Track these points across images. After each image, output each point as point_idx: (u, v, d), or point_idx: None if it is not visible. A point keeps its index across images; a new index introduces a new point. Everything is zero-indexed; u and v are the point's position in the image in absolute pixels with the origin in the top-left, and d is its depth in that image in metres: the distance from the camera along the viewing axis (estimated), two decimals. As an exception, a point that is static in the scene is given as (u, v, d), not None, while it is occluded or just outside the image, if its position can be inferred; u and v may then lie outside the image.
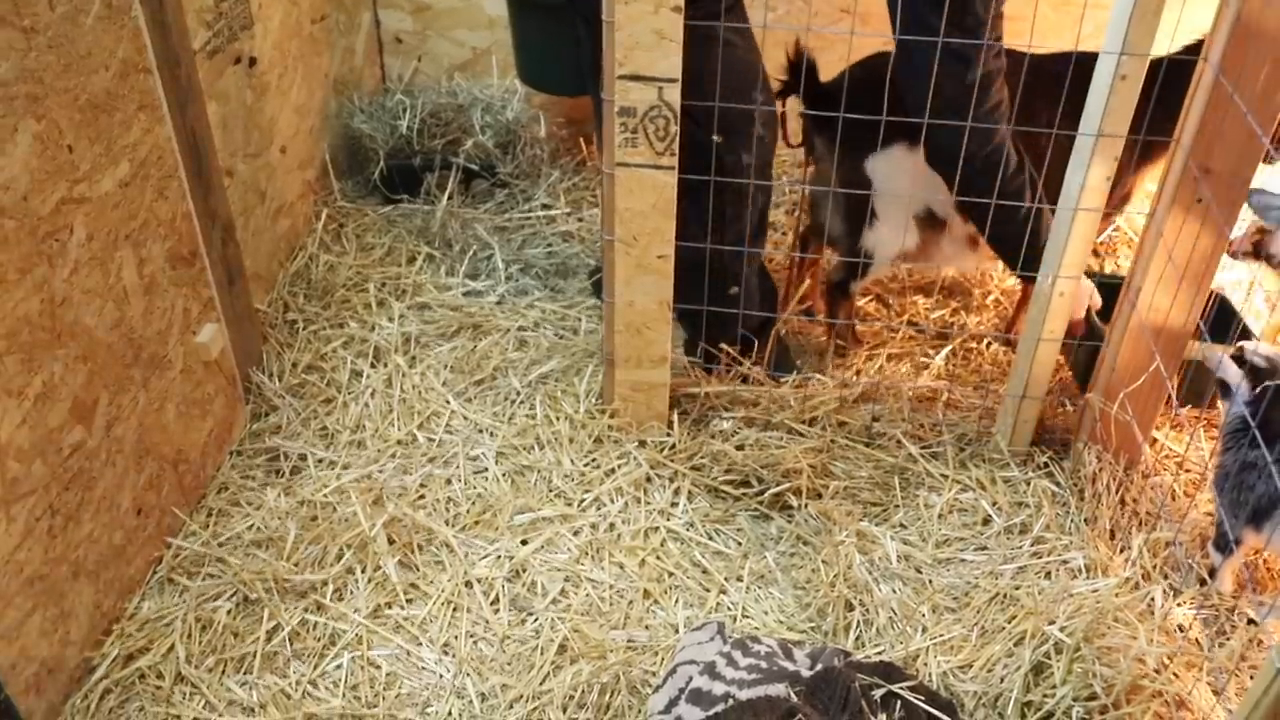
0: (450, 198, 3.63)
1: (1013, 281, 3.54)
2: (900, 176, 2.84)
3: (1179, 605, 2.31)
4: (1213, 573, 2.37)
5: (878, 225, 2.95)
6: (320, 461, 2.71)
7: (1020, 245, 2.63)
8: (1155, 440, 2.79)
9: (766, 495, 2.64)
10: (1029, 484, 2.68)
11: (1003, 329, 3.41)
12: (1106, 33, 2.19)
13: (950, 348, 3.29)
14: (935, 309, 3.52)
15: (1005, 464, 2.76)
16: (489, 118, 3.67)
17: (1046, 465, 2.73)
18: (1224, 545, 2.34)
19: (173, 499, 2.43)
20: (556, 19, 3.32)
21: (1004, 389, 2.79)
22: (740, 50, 2.58)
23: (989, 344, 3.35)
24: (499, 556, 2.47)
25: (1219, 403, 2.46)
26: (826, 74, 2.83)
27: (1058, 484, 2.68)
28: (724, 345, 2.86)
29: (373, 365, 3.04)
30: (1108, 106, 2.21)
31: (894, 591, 2.36)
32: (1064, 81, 2.51)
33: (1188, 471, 2.77)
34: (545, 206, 3.71)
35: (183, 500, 2.49)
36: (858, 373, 3.14)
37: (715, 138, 2.49)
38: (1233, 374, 2.34)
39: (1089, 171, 2.30)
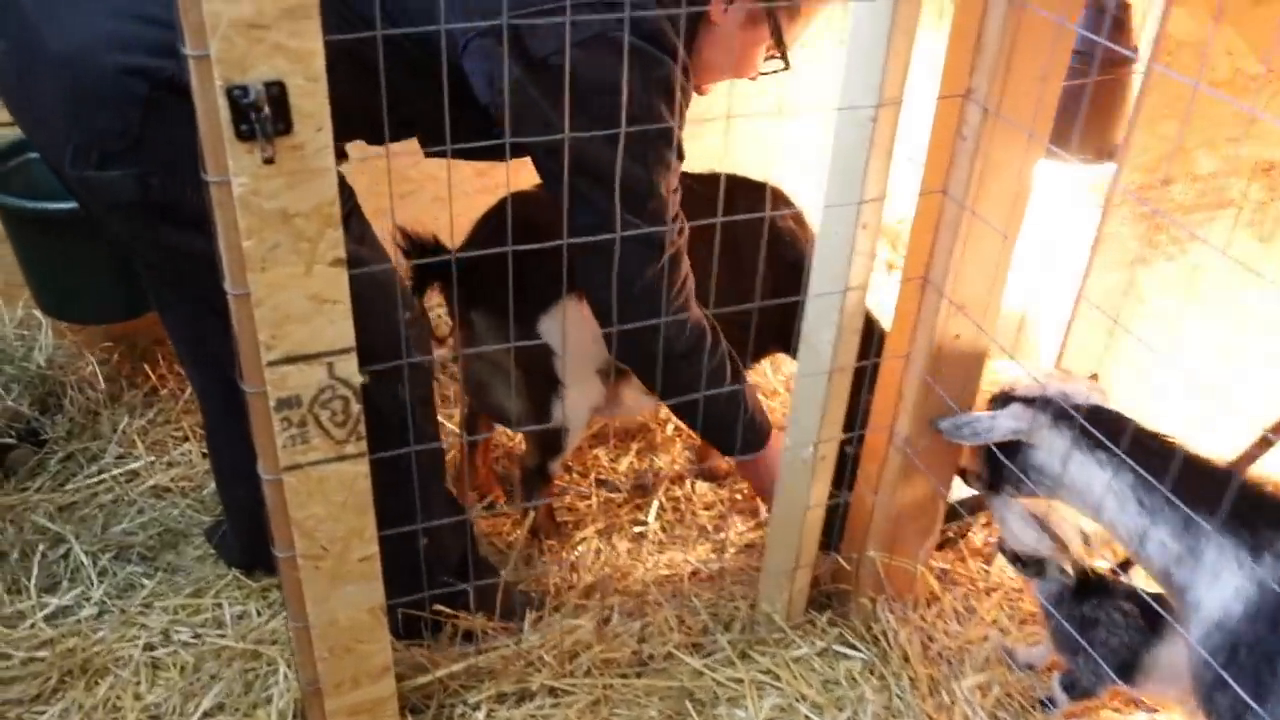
0: (-20, 488, 2.60)
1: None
2: (581, 330, 2.40)
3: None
4: (1049, 705, 2.22)
5: (565, 392, 2.49)
6: None
7: (736, 424, 2.31)
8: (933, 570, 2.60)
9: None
10: (830, 662, 2.36)
11: (695, 460, 3.10)
12: (827, 179, 1.89)
13: (657, 503, 2.93)
14: (617, 456, 3.14)
15: (790, 641, 2.42)
16: (10, 369, 2.67)
17: (835, 631, 2.44)
18: (1082, 693, 2.20)
19: None
20: (78, 234, 2.48)
21: (765, 562, 2.45)
22: (371, 264, 1.96)
23: (693, 484, 3.04)
24: None
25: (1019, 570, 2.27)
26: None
27: (855, 648, 2.39)
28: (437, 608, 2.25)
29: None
30: (852, 260, 1.91)
31: None
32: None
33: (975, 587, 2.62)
34: (121, 460, 2.78)
35: None
36: (573, 569, 2.66)
37: (361, 380, 1.84)
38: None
39: (840, 330, 2.00)
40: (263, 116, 1.33)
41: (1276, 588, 1.66)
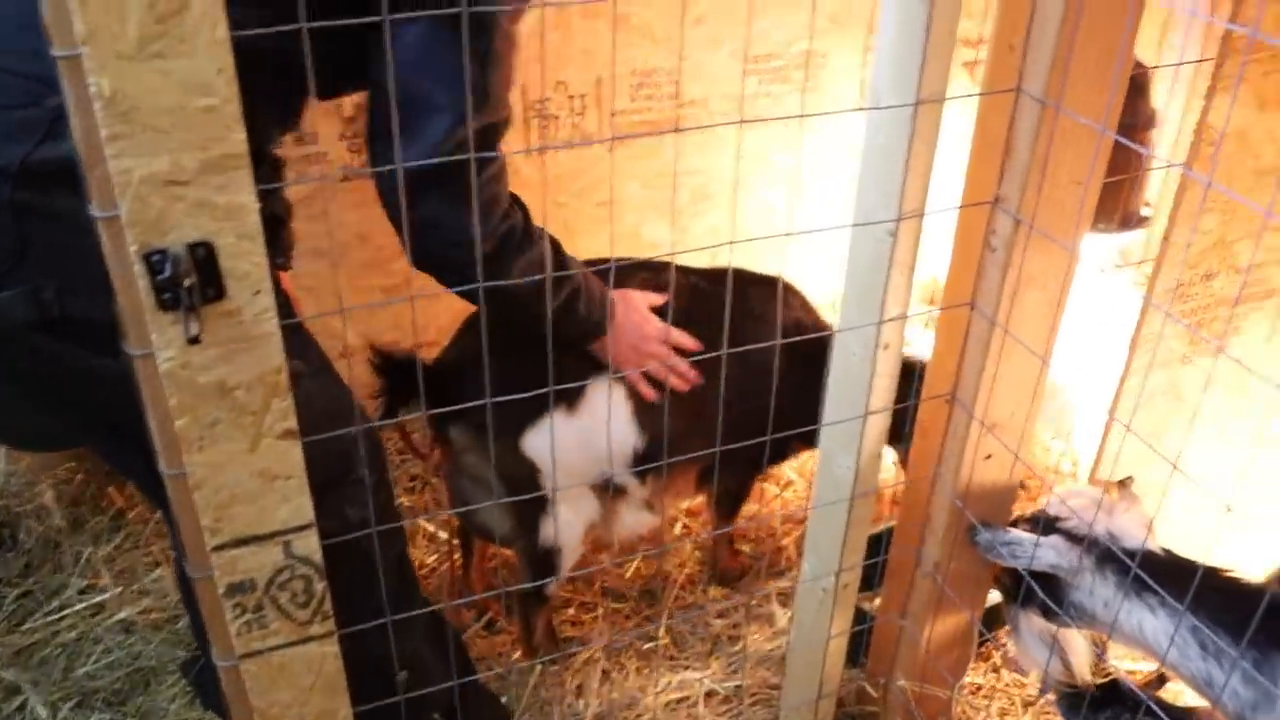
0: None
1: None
2: (569, 449, 2.21)
3: None
4: None
5: (555, 510, 2.28)
6: None
7: (574, 313, 2.08)
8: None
9: None
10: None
11: (706, 561, 2.89)
12: (843, 297, 1.70)
13: (666, 613, 2.72)
14: (623, 561, 2.93)
15: (816, 778, 2.20)
16: (-41, 503, 2.48)
17: (864, 767, 2.22)
18: None
19: None
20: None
21: (784, 694, 2.23)
22: (322, 381, 1.78)
23: (705, 588, 2.83)
24: None
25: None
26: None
27: (889, 791, 2.18)
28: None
29: None
30: (872, 385, 1.72)
31: None
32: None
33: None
34: (85, 594, 2.57)
35: None
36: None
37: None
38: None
39: (861, 455, 1.80)
40: (188, 285, 1.14)
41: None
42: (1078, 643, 1.99)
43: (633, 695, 2.47)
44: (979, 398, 1.75)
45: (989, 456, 1.83)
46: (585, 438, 2.21)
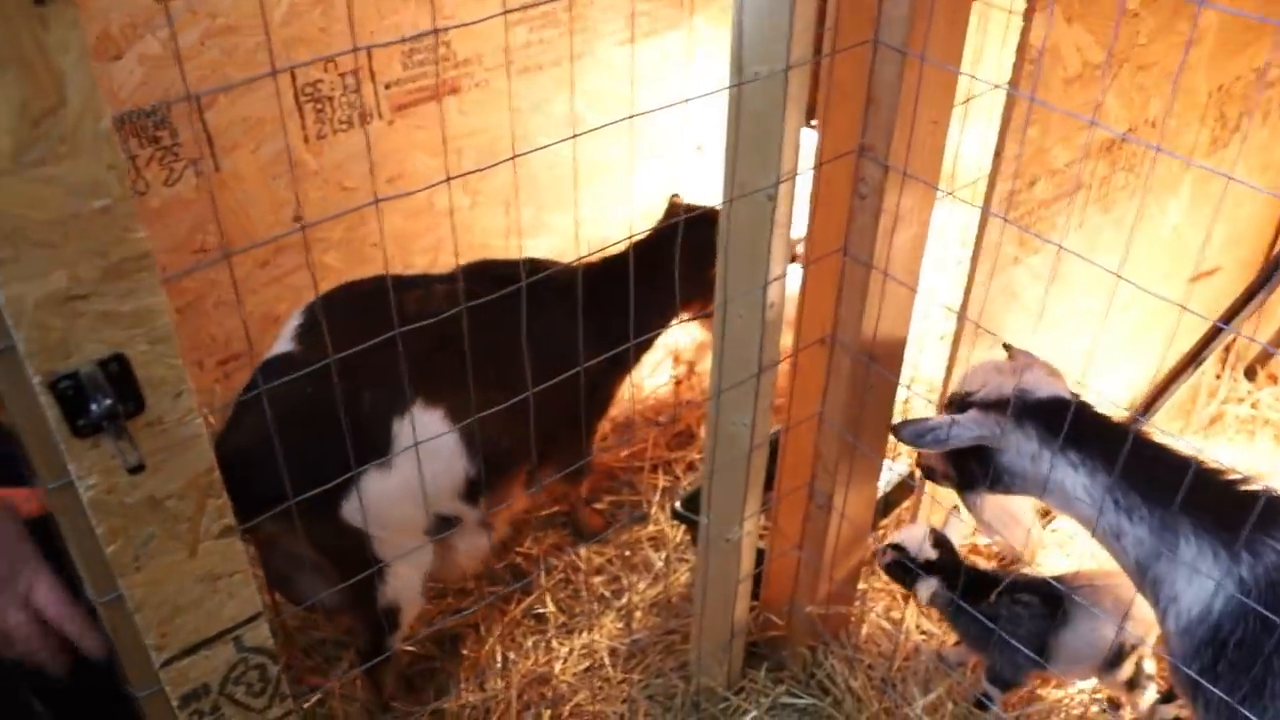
0: None
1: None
2: (396, 503, 2.05)
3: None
4: (986, 701, 2.26)
5: (390, 572, 2.14)
6: None
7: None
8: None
9: None
10: (783, 718, 2.28)
11: (568, 527, 2.90)
12: (721, 265, 1.72)
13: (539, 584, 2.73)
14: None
15: (737, 708, 2.32)
16: None
17: (780, 687, 2.34)
18: (1005, 684, 2.25)
19: None
20: None
21: (697, 641, 2.30)
22: None
23: (574, 551, 2.84)
24: None
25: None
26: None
27: (802, 698, 2.32)
28: None
29: None
30: (763, 343, 1.76)
31: None
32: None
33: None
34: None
35: None
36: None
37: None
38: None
39: (757, 411, 1.86)
40: (103, 405, 1.02)
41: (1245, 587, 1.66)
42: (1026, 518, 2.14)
43: (539, 672, 2.48)
44: (860, 337, 1.83)
45: (872, 387, 1.93)
46: (408, 485, 2.01)
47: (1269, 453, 3.08)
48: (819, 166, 1.66)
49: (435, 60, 2.78)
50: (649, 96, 3.37)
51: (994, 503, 2.07)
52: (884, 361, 1.90)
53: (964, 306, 2.12)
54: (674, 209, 2.80)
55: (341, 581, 2.06)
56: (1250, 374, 3.28)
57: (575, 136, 1.55)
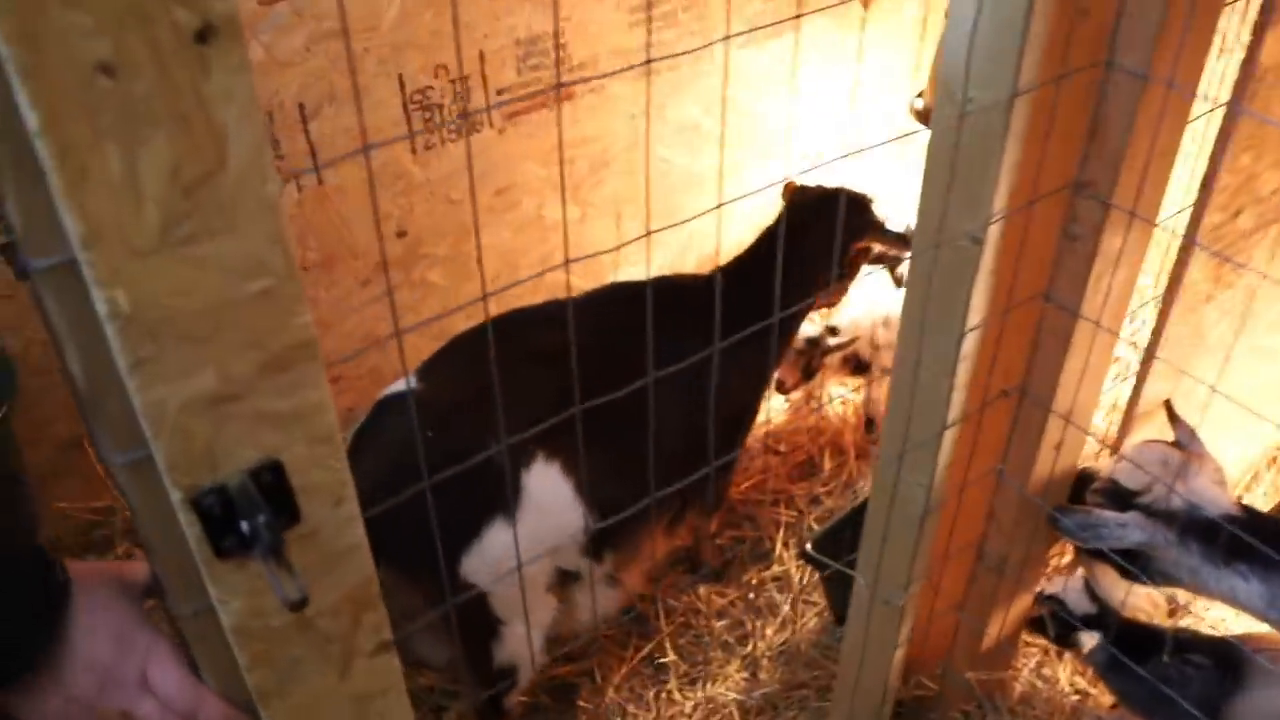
0: None
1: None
2: (511, 563, 1.88)
3: None
4: None
5: (507, 629, 1.97)
6: None
7: None
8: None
9: None
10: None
11: (685, 563, 2.71)
12: (907, 314, 1.51)
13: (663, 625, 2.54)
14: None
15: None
16: None
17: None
18: None
19: None
20: None
21: (835, 705, 2.10)
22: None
23: (691, 590, 2.65)
24: None
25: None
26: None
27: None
28: None
29: None
30: (950, 399, 1.55)
31: None
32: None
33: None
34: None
35: None
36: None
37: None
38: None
39: (936, 471, 1.64)
40: (256, 522, 0.84)
41: None
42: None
43: (663, 725, 2.30)
44: (1057, 390, 1.61)
45: (1059, 445, 1.71)
46: (533, 538, 1.87)
47: None
48: (1027, 205, 1.43)
49: (555, 62, 2.59)
50: (756, 101, 3.15)
51: (1111, 576, 1.89)
52: (1076, 415, 1.67)
53: (1152, 347, 1.88)
54: (792, 192, 2.59)
55: (457, 639, 1.91)
56: None
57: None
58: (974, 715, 2.14)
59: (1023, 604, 2.00)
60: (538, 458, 1.90)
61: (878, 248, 2.44)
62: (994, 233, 1.39)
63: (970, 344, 1.50)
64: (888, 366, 2.68)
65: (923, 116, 2.86)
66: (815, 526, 2.73)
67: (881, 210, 2.39)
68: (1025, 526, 1.80)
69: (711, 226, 3.31)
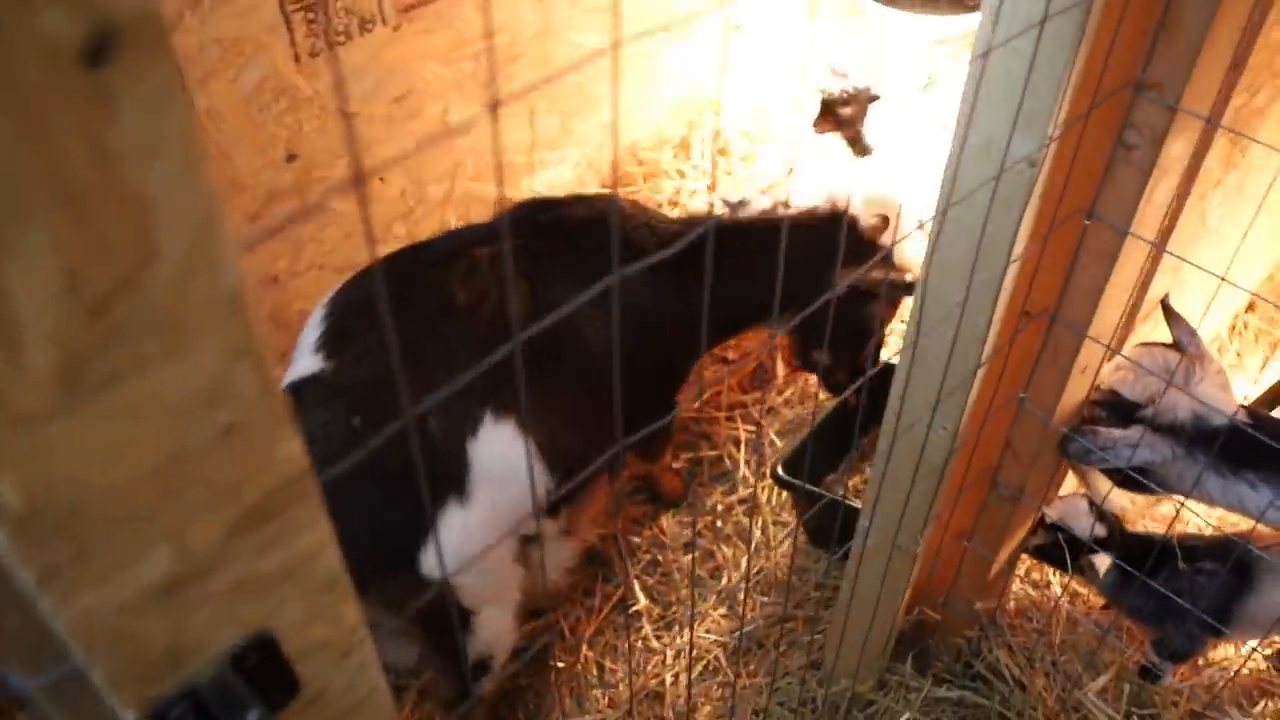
0: None
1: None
2: (481, 540, 1.65)
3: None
4: (1152, 671, 2.00)
5: (478, 618, 1.75)
6: None
7: None
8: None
9: None
10: (940, 713, 1.99)
11: (644, 492, 2.52)
12: (936, 239, 1.29)
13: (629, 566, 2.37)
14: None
15: (892, 711, 2.01)
16: None
17: (931, 682, 2.03)
18: (1179, 656, 1.97)
19: None
20: None
21: (830, 648, 1.97)
22: None
23: (652, 523, 2.47)
24: None
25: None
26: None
27: (966, 688, 2.02)
28: None
29: None
30: (988, 332, 1.35)
31: None
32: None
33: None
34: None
35: None
36: None
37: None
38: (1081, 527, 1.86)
39: (966, 414, 1.46)
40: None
41: None
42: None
43: (649, 687, 2.13)
44: (1094, 314, 1.43)
45: (1085, 369, 1.54)
46: (493, 518, 1.66)
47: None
48: (1084, 116, 1.21)
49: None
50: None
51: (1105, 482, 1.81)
52: (1104, 335, 1.50)
53: (1163, 241, 1.72)
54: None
55: (425, 642, 1.69)
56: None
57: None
58: (975, 638, 2.05)
59: (1024, 531, 1.87)
60: (485, 422, 1.65)
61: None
62: (1051, 153, 1.17)
63: (1012, 274, 1.30)
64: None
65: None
66: (776, 440, 2.56)
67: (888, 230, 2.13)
68: (1045, 454, 1.65)
69: (630, 116, 3.01)
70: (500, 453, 1.66)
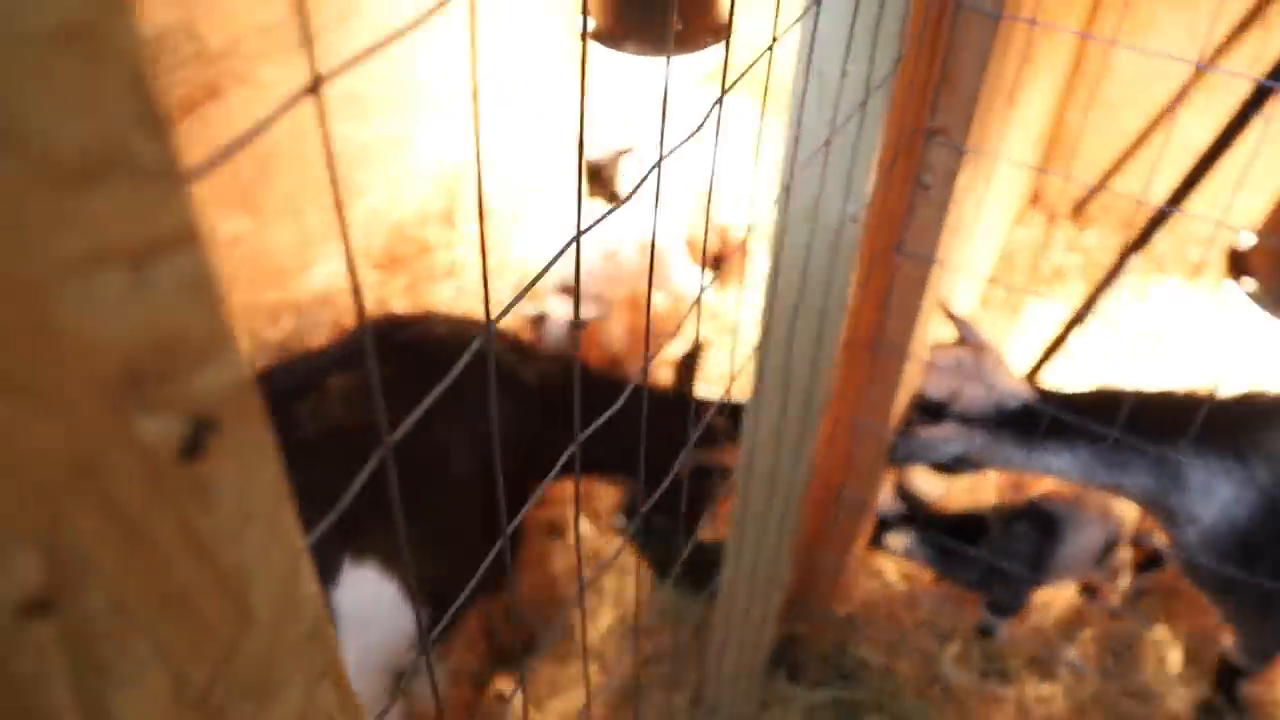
0: None
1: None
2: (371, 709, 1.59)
3: None
4: (990, 629, 2.21)
5: None
6: None
7: None
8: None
9: None
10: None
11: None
12: (771, 294, 1.36)
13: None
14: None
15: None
16: None
17: (803, 688, 2.12)
18: (1008, 611, 2.17)
19: None
20: None
21: (710, 680, 2.02)
22: None
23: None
24: None
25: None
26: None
27: (835, 691, 2.12)
28: None
29: None
30: (825, 375, 1.44)
31: None
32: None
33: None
34: None
35: None
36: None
37: None
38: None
39: (803, 454, 1.54)
40: None
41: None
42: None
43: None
44: (913, 338, 1.54)
45: (907, 385, 1.67)
46: (364, 657, 1.62)
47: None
48: (890, 167, 1.31)
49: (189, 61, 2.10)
50: (416, 58, 2.78)
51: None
52: (921, 353, 1.63)
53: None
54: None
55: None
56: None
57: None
58: (840, 640, 2.15)
59: (868, 533, 2.00)
60: (344, 565, 1.58)
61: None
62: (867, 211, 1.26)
63: (841, 317, 1.39)
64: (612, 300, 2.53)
65: (595, 35, 2.63)
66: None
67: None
68: (883, 465, 1.77)
69: (391, 197, 2.94)
70: (364, 598, 1.59)
